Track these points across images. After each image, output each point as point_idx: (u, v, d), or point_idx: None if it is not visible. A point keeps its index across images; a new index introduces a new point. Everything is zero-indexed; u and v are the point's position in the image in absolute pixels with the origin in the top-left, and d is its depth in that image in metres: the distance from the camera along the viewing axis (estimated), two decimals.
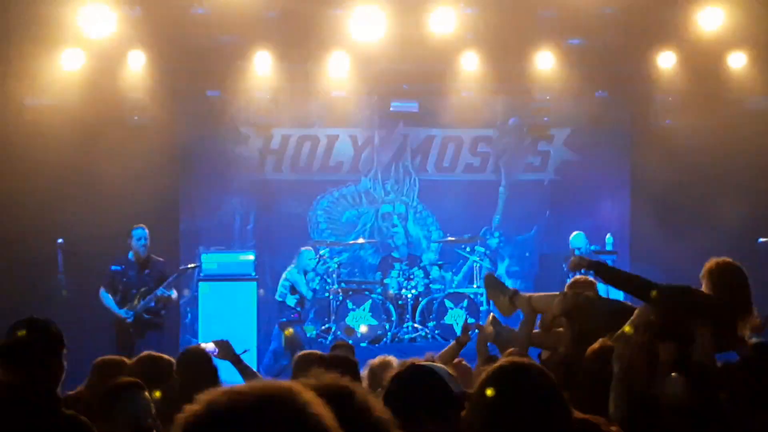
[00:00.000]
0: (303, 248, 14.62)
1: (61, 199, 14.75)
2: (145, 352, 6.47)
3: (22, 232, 14.60)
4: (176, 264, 13.71)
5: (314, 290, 14.48)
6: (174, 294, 12.26)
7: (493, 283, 7.65)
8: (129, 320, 11.75)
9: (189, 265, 13.14)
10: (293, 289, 14.32)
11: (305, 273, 14.45)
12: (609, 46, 14.54)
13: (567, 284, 7.85)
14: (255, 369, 13.33)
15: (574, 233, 14.66)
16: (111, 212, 14.32)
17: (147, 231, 12.26)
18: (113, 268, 12.15)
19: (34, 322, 4.87)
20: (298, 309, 14.39)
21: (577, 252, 13.83)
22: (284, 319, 14.26)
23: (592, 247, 14.68)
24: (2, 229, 14.32)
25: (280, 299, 14.43)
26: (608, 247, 14.80)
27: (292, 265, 14.48)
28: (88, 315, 12.68)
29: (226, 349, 7.09)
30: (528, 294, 7.53)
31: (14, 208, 14.66)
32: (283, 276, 14.52)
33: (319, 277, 14.78)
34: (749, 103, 15.60)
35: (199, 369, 6.36)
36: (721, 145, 15.72)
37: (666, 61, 14.96)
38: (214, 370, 6.51)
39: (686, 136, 15.63)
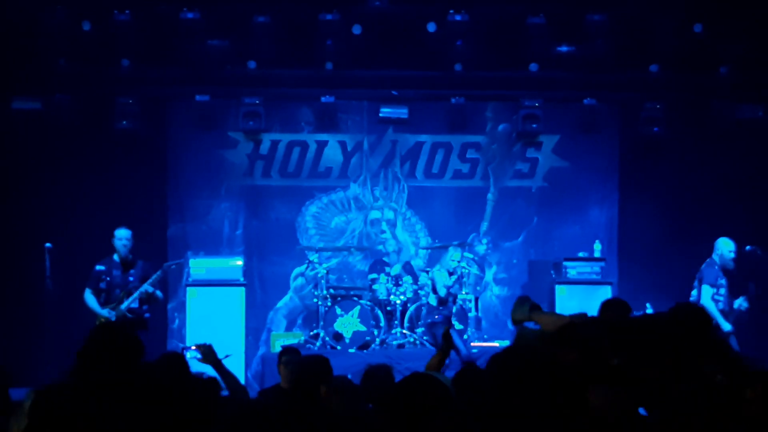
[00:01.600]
0: (452, 249, 14.56)
1: (49, 203, 14.73)
2: None
3: (9, 236, 14.60)
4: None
5: (448, 288, 14.33)
6: (159, 294, 12.22)
7: (524, 300, 7.46)
8: (112, 319, 11.73)
9: (173, 262, 13.09)
10: (434, 289, 14.26)
11: (449, 273, 14.39)
12: (598, 53, 14.58)
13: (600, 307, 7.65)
14: (242, 375, 13.41)
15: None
16: (99, 217, 14.31)
17: (129, 232, 12.24)
18: (98, 267, 12.15)
19: None
20: (440, 308, 14.30)
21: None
22: (429, 321, 14.21)
23: (580, 254, 14.70)
24: None
25: (425, 300, 14.42)
26: (596, 254, 14.82)
27: (438, 265, 14.41)
28: (75, 318, 12.64)
29: (208, 354, 7.07)
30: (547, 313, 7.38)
31: (2, 212, 14.67)
32: (429, 275, 14.51)
33: (311, 284, 14.77)
34: (738, 111, 15.65)
35: (176, 375, 6.31)
36: (709, 153, 15.77)
37: (655, 68, 14.99)
38: (189, 375, 6.48)
39: (675, 143, 15.69)
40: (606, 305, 7.30)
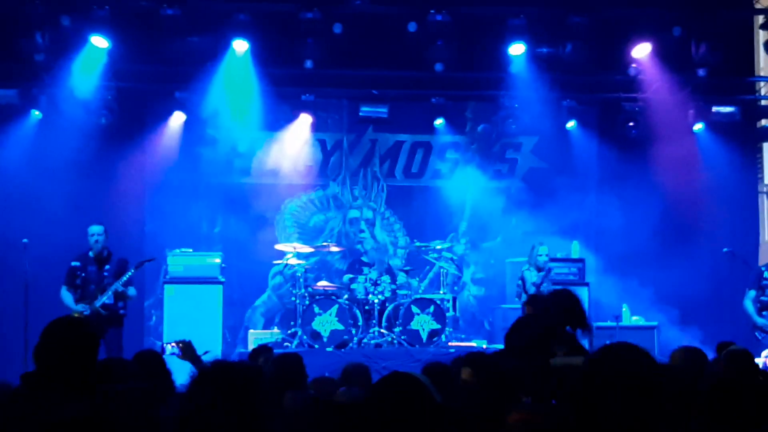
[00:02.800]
0: (537, 244, 14.15)
1: (27, 199, 14.67)
2: None
3: None
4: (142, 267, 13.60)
5: (536, 285, 13.75)
6: (132, 292, 12.17)
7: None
8: (85, 313, 11.69)
9: (145, 260, 13.02)
10: (524, 288, 13.83)
11: (538, 270, 13.89)
12: (577, 55, 14.62)
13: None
14: None
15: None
16: (77, 213, 14.26)
17: (102, 227, 12.18)
18: (73, 264, 12.10)
19: None
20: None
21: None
22: None
23: (558, 254, 14.75)
24: None
25: (518, 299, 14.10)
26: (574, 255, 14.87)
27: (526, 264, 14.04)
28: (54, 315, 12.56)
29: (187, 350, 7.05)
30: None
31: None
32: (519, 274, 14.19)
33: (289, 283, 14.75)
34: (714, 114, 15.75)
35: (153, 372, 6.30)
36: (686, 153, 15.87)
37: (633, 69, 15.06)
38: (167, 373, 6.47)
39: (652, 144, 15.77)
40: None
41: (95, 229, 12.15)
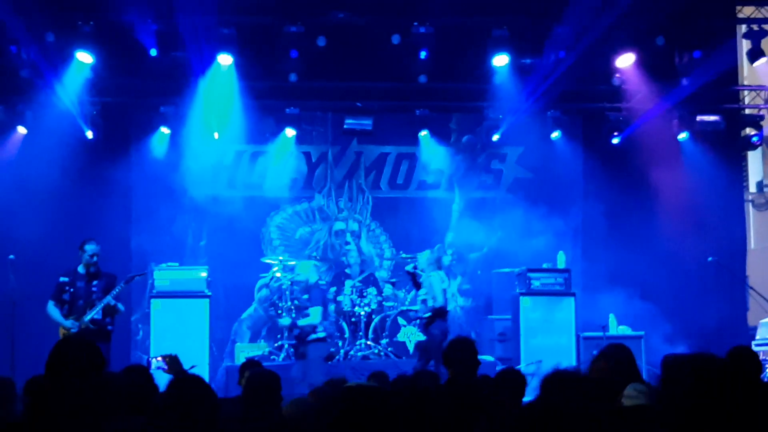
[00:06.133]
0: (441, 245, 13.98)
1: (12, 215, 14.63)
2: None
3: None
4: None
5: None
6: (121, 307, 12.13)
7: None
8: (73, 330, 11.65)
9: (135, 275, 12.99)
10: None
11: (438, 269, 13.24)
12: (561, 65, 14.67)
13: None
14: None
15: None
16: (62, 229, 14.25)
17: (98, 247, 12.15)
18: (61, 279, 12.05)
19: None
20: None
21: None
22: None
23: (544, 265, 14.76)
24: None
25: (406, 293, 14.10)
26: (560, 265, 14.89)
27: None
28: (40, 330, 12.53)
29: (174, 364, 7.03)
30: None
31: None
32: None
33: (275, 296, 14.72)
34: (698, 123, 15.81)
35: (141, 386, 6.27)
36: (671, 162, 15.93)
37: (617, 78, 15.12)
38: (155, 388, 6.45)
39: (637, 152, 15.82)
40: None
41: (93, 248, 12.07)
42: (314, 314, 12.33)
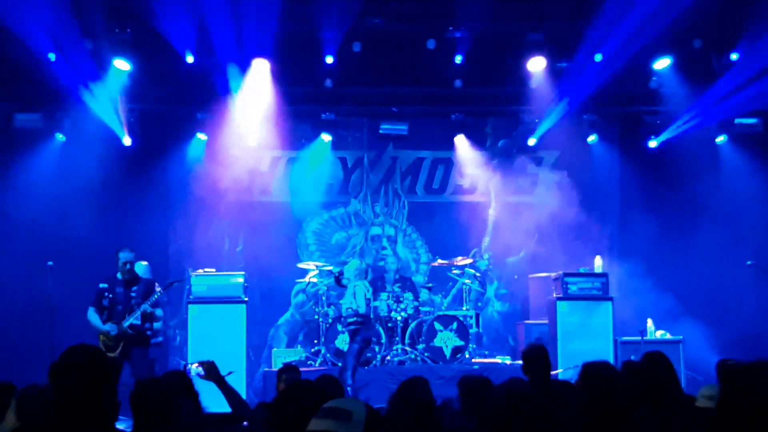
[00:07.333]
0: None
1: (51, 222, 14.78)
2: None
3: (17, 255, 14.69)
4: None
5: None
6: (159, 312, 12.20)
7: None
8: (112, 333, 11.74)
9: (172, 281, 13.06)
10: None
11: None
12: (596, 68, 14.60)
13: None
14: (244, 392, 13.41)
15: None
16: (101, 234, 14.38)
17: (132, 255, 12.20)
18: (101, 285, 12.15)
19: None
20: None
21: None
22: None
23: (581, 269, 14.68)
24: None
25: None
26: (597, 269, 14.80)
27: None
28: (79, 337, 12.62)
29: (211, 371, 7.03)
30: None
31: (11, 231, 14.83)
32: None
33: (312, 301, 14.74)
34: (736, 126, 15.69)
35: (181, 392, 6.29)
36: (710, 165, 15.83)
37: (654, 82, 15.05)
38: (195, 394, 6.47)
39: (675, 156, 15.72)
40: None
41: (128, 256, 12.16)
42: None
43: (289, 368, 8.79)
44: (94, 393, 4.31)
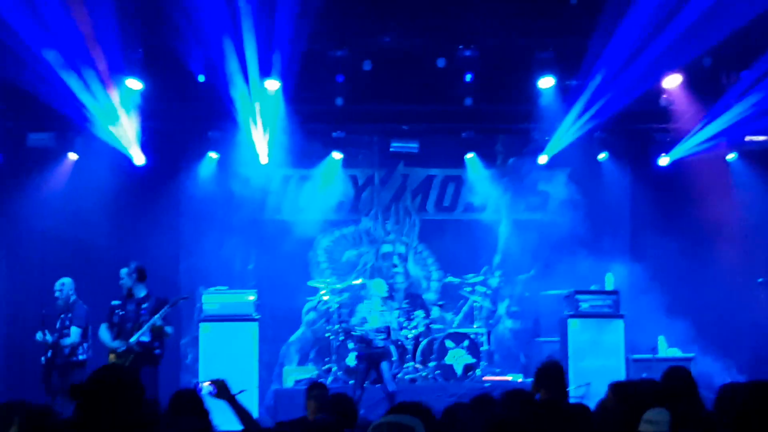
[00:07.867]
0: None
1: (64, 240, 14.87)
2: None
3: (33, 272, 14.79)
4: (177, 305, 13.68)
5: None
6: (169, 329, 12.22)
7: None
8: (120, 349, 11.78)
9: (180, 297, 13.08)
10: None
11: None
12: (607, 85, 14.63)
13: None
14: (256, 410, 13.41)
15: None
16: (113, 252, 14.44)
17: (125, 270, 12.27)
18: (113, 302, 12.22)
19: None
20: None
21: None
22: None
23: (592, 287, 14.67)
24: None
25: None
26: (608, 287, 14.79)
27: None
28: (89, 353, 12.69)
29: (222, 389, 7.04)
30: None
31: (25, 248, 14.93)
32: None
33: (323, 319, 14.74)
34: (747, 143, 15.69)
35: (190, 412, 6.30)
36: (719, 183, 15.81)
37: (664, 99, 15.06)
38: (205, 413, 6.48)
39: (686, 173, 15.71)
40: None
41: (122, 273, 12.31)
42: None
43: (317, 385, 8.84)
44: (130, 412, 4.34)
